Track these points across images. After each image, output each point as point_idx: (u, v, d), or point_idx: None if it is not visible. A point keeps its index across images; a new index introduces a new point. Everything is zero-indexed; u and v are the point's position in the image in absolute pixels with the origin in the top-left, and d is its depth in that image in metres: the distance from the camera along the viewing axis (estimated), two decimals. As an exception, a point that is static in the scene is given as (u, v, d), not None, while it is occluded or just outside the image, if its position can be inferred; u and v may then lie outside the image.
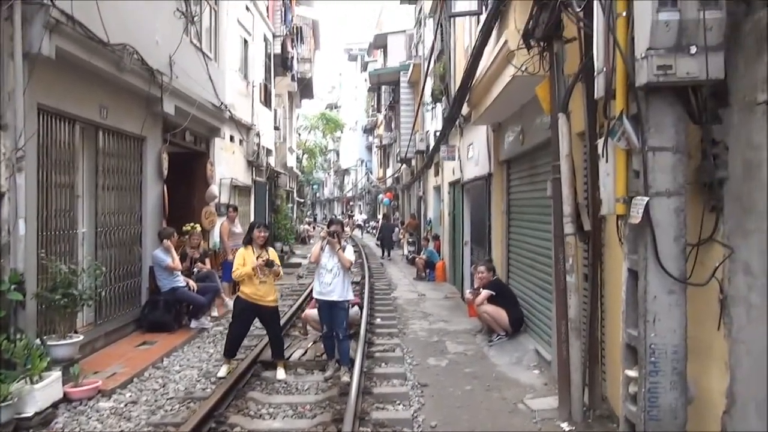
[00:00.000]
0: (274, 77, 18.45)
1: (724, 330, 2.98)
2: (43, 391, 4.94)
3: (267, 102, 16.83)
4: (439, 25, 13.03)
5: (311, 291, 7.19)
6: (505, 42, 5.85)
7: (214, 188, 11.20)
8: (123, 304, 7.79)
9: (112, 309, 7.48)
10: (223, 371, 6.27)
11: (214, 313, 9.20)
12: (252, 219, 14.84)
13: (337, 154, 60.14)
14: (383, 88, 28.00)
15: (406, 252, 20.20)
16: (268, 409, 5.38)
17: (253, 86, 14.79)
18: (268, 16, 17.23)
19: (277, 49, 18.09)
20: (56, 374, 5.20)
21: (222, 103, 10.98)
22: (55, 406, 5.13)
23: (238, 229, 10.92)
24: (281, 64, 18.62)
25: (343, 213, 55.06)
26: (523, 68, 5.46)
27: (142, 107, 8.10)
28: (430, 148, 16.43)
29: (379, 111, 32.55)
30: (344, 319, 6.34)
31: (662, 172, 2.97)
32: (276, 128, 18.66)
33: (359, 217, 43.61)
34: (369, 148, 44.04)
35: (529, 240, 7.59)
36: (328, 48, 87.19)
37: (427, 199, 19.48)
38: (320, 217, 56.83)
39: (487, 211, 9.81)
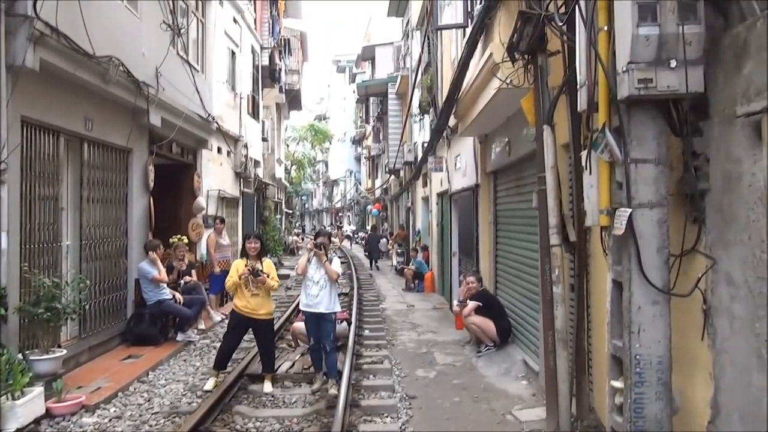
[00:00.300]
0: (262, 89, 18.46)
1: (708, 340, 3.00)
2: (25, 407, 4.86)
3: (255, 113, 16.82)
4: (426, 38, 13.12)
5: (299, 303, 7.15)
6: (490, 55, 5.90)
7: (201, 200, 11.14)
8: (108, 317, 7.70)
9: (97, 322, 7.39)
10: (209, 384, 6.21)
11: (201, 326, 9.13)
12: (240, 230, 14.78)
13: (326, 165, 60.12)
14: (371, 99, 28.09)
15: (395, 263, 20.18)
16: (255, 423, 5.32)
17: (241, 98, 14.78)
18: (255, 28, 17.26)
19: (265, 61, 18.10)
20: (39, 389, 5.13)
21: (209, 115, 10.96)
22: (37, 422, 5.05)
23: (226, 241, 10.86)
24: (269, 75, 18.63)
25: (332, 224, 54.99)
26: (508, 81, 5.50)
27: (128, 119, 8.06)
28: (418, 159, 16.48)
29: (367, 122, 32.65)
30: (331, 331, 6.30)
31: (645, 184, 3.00)
32: (264, 140, 18.65)
33: (348, 228, 43.56)
34: (358, 159, 44.10)
35: (516, 251, 7.62)
36: (317, 60, 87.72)
37: (415, 209, 19.52)
38: (309, 228, 56.71)
39: (475, 222, 9.84)
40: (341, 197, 55.32)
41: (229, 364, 6.66)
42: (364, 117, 34.58)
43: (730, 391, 2.82)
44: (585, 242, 4.76)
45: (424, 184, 16.28)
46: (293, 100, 26.33)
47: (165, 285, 8.15)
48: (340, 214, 56.92)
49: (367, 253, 23.20)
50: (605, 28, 3.14)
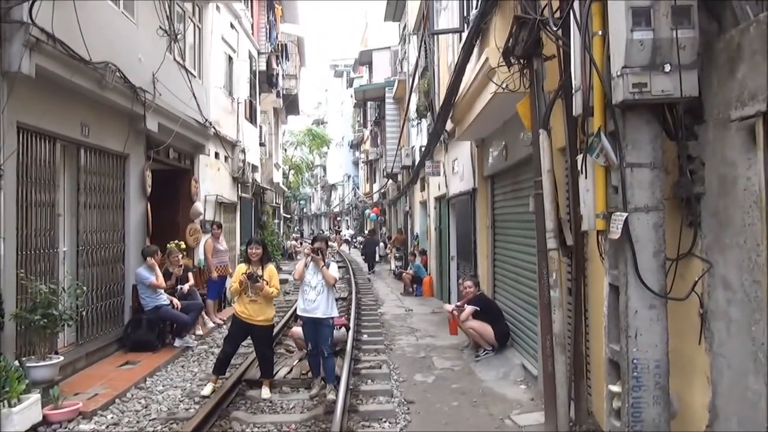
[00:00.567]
0: (260, 94, 18.46)
1: (705, 344, 3.00)
2: (21, 414, 4.84)
3: (252, 118, 16.82)
4: (423, 42, 13.15)
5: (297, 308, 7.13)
6: (486, 59, 5.92)
7: (198, 205, 11.13)
8: (105, 323, 7.68)
9: (94, 329, 7.37)
10: (207, 390, 6.19)
11: (199, 332, 9.10)
12: (238, 236, 14.75)
13: (324, 170, 60.14)
14: (369, 104, 28.13)
15: (393, 267, 20.17)
16: (253, 429, 5.31)
17: (238, 103, 14.77)
18: (252, 34, 17.27)
19: (263, 66, 18.10)
20: (35, 396, 5.10)
21: (206, 120, 10.96)
22: (34, 429, 5.03)
23: (223, 246, 10.83)
24: (266, 80, 18.63)
25: (330, 228, 54.96)
26: (504, 85, 5.51)
27: (124, 125, 8.05)
28: (416, 163, 16.49)
29: (365, 127, 32.67)
30: (329, 336, 6.29)
31: (640, 188, 3.01)
32: (262, 144, 18.63)
33: (347, 233, 43.54)
34: (356, 164, 44.11)
35: (514, 254, 7.62)
36: (314, 64, 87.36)
37: (413, 214, 19.51)
38: (307, 233, 56.65)
39: (473, 226, 9.84)
40: (339, 201, 55.32)
41: (228, 369, 6.64)
42: (361, 121, 34.61)
43: (728, 394, 2.82)
44: (582, 246, 4.76)
45: (422, 189, 16.28)
46: (291, 104, 26.33)
47: (162, 291, 8.13)
48: (338, 218, 56.91)
49: (364, 257, 23.30)
50: (600, 32, 3.16)
